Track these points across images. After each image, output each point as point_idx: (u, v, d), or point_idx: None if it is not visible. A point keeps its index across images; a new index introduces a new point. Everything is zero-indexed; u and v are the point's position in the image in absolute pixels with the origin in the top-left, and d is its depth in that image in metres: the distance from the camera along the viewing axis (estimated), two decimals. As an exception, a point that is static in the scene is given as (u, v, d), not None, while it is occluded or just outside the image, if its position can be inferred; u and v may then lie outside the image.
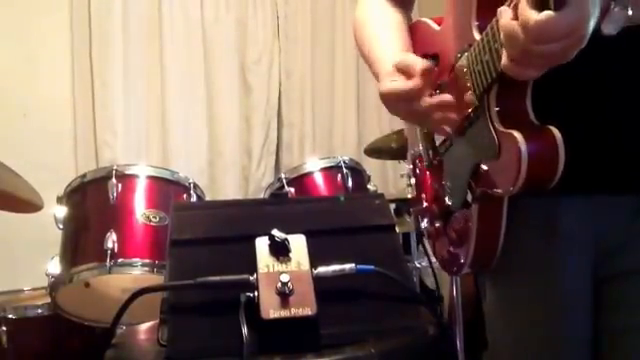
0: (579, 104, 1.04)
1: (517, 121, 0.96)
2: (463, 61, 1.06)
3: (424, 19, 1.32)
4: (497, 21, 0.88)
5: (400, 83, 1.13)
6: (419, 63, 1.09)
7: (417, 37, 1.34)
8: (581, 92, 1.04)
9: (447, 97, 1.09)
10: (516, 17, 0.82)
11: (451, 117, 1.09)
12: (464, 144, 1.12)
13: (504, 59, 0.87)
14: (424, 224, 1.39)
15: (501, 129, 0.98)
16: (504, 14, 0.85)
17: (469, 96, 1.04)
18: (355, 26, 1.43)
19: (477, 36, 1.00)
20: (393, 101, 1.16)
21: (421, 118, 1.16)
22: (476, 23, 1.02)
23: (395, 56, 1.20)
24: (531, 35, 0.80)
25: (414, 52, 1.31)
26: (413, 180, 1.49)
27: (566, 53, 0.82)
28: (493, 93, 0.99)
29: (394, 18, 1.38)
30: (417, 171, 1.46)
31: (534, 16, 0.78)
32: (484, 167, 1.04)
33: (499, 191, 1.02)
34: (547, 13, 0.77)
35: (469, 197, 1.10)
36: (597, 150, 1.05)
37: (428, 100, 1.09)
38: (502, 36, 0.86)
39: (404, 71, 1.13)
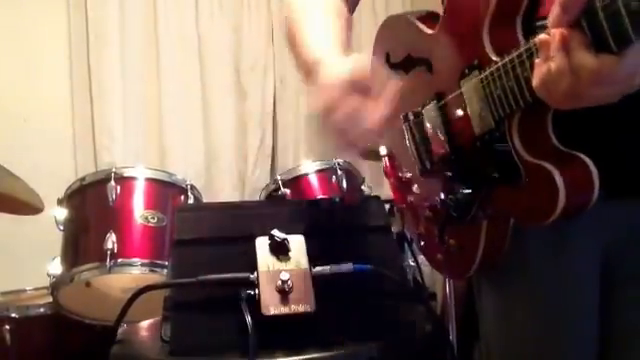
0: (598, 122, 0.96)
1: (541, 148, 0.92)
2: (474, 80, 0.99)
3: (411, 18, 1.23)
4: (528, 49, 0.84)
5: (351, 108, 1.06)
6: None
7: (401, 35, 1.27)
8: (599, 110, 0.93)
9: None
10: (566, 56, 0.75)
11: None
12: (474, 163, 1.07)
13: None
14: (411, 226, 1.35)
15: (528, 158, 0.93)
16: (558, 58, 0.77)
17: (484, 118, 0.99)
18: (285, 15, 1.31)
19: (493, 56, 0.94)
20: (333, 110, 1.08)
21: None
22: (489, 40, 0.96)
23: (339, 56, 1.12)
24: (588, 79, 0.74)
25: (395, 51, 1.26)
26: (391, 180, 1.41)
27: (620, 94, 0.78)
28: (515, 119, 0.93)
29: (335, 5, 1.28)
30: (394, 170, 1.39)
31: (591, 60, 0.73)
32: (502, 191, 1.01)
33: (528, 222, 0.99)
34: (609, 58, 0.71)
35: (480, 214, 1.06)
36: (605, 155, 0.95)
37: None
38: (552, 76, 0.78)
39: (361, 87, 1.07)
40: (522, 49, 0.85)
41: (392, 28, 1.31)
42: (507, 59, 0.89)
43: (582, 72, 0.74)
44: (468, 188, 1.08)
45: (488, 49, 0.96)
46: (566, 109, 0.84)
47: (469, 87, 1.01)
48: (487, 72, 0.95)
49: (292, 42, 1.23)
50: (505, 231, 1.04)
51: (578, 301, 1.08)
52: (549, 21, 0.78)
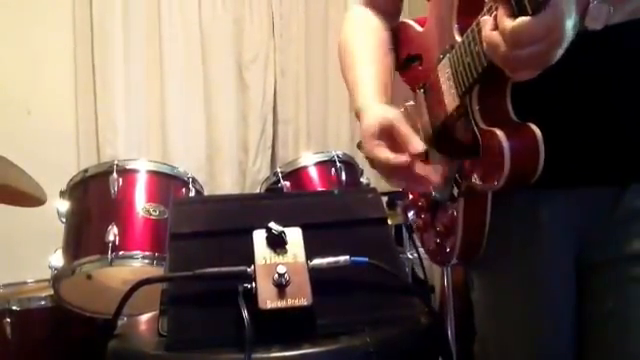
0: (556, 101, 1.06)
1: (498, 119, 0.99)
2: (445, 62, 1.09)
3: (408, 20, 1.34)
4: (477, 24, 0.91)
5: (384, 153, 1.16)
6: (411, 142, 1.11)
7: (401, 38, 1.36)
8: (558, 89, 1.05)
9: (433, 171, 1.14)
10: (496, 26, 0.84)
11: (433, 181, 1.14)
12: (449, 142, 1.14)
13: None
14: (412, 217, 1.42)
15: (483, 127, 1.00)
16: (485, 25, 0.87)
17: (452, 95, 1.07)
18: (339, 47, 1.43)
19: (458, 38, 1.03)
20: (372, 160, 1.22)
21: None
22: (457, 25, 1.05)
23: (374, 105, 1.23)
24: (509, 41, 0.82)
25: (398, 54, 1.34)
26: None
27: (548, 54, 0.83)
28: (475, 92, 1.02)
29: (378, 39, 1.37)
30: None
31: (511, 23, 0.81)
32: (469, 163, 1.07)
33: (484, 187, 1.04)
34: (522, 19, 0.79)
35: (455, 191, 1.13)
36: (574, 145, 1.07)
37: (413, 174, 1.14)
38: (485, 46, 0.87)
39: (389, 136, 1.16)
40: (473, 26, 0.94)
41: (396, 32, 1.40)
42: (464, 37, 0.99)
43: (505, 35, 0.82)
44: (446, 168, 1.17)
45: (456, 33, 1.06)
46: (521, 80, 0.90)
47: (441, 68, 1.11)
48: (452, 52, 1.05)
49: (345, 81, 1.38)
50: (483, 210, 1.11)
51: (555, 289, 1.16)
52: None
